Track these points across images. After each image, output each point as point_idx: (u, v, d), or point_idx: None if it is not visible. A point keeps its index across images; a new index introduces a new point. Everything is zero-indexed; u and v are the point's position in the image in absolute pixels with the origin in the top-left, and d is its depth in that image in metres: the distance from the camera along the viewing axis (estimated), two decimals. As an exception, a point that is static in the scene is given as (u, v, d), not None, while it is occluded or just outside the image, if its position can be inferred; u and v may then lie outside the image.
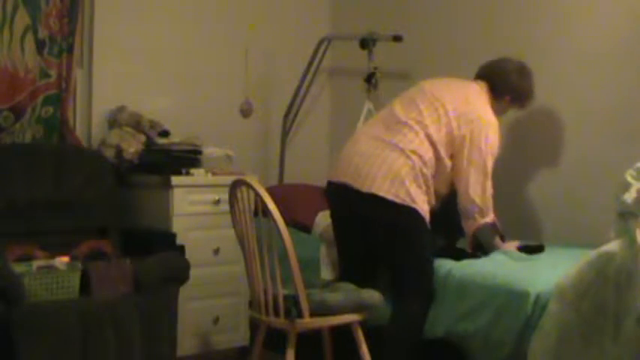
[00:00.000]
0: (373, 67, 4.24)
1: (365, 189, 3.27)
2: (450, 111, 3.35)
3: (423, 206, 3.29)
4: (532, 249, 3.46)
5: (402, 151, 3.28)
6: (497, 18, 4.24)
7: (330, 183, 3.48)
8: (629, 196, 2.78)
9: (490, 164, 3.37)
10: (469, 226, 3.42)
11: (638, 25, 3.67)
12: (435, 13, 4.53)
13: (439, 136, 3.32)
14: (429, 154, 3.30)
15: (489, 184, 3.38)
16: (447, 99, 3.38)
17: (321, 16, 5.09)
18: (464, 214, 3.40)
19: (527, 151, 4.10)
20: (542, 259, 3.43)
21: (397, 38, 4.31)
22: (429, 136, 3.32)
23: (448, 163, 3.36)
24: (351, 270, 3.44)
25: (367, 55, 4.32)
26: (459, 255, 3.47)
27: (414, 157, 3.28)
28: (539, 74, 4.04)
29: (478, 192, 3.34)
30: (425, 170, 3.29)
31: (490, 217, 3.40)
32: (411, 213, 3.26)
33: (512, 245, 3.45)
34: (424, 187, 3.29)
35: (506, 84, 3.53)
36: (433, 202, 3.36)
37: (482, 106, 3.43)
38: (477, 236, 3.43)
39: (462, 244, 3.62)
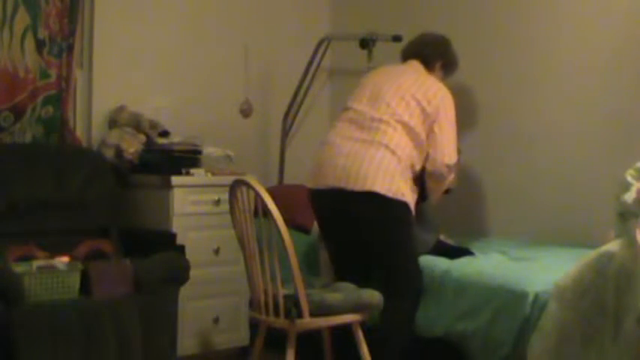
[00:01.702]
0: (373, 67, 4.24)
1: (358, 188, 3.28)
2: (415, 92, 3.43)
3: (411, 200, 3.35)
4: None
5: (387, 147, 3.31)
6: (497, 19, 4.24)
7: (315, 190, 3.46)
8: (629, 196, 2.79)
9: (455, 128, 3.49)
10: (441, 186, 3.51)
11: (638, 26, 3.67)
12: (435, 13, 4.53)
13: (416, 121, 3.39)
14: (409, 145, 3.36)
15: (456, 146, 3.50)
16: (407, 84, 3.47)
17: (321, 16, 5.09)
18: (436, 177, 3.46)
19: (527, 150, 4.10)
20: (541, 259, 3.43)
21: (397, 38, 4.30)
22: (406, 125, 3.37)
23: (426, 144, 3.43)
24: (345, 272, 3.44)
25: (367, 55, 4.32)
26: (453, 253, 3.48)
27: (398, 151, 3.32)
28: (539, 74, 4.06)
29: (452, 157, 3.45)
30: (408, 163, 3.35)
31: (454, 171, 3.51)
32: (403, 207, 3.31)
33: None
34: (410, 182, 3.36)
35: (434, 52, 3.69)
36: (416, 194, 3.43)
37: (433, 80, 3.56)
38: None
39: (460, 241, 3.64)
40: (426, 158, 3.43)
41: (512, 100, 4.17)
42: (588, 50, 3.87)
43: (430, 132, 3.41)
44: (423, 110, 3.40)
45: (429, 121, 3.41)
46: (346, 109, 3.55)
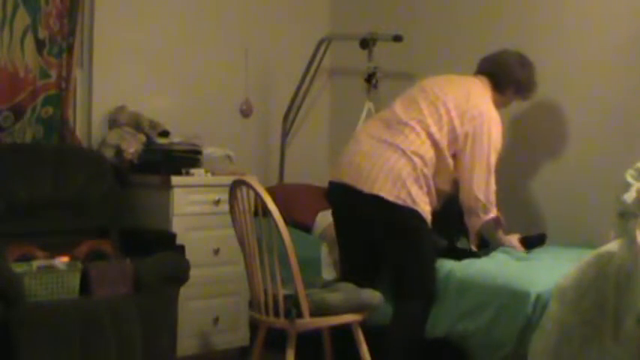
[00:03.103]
0: (373, 67, 4.24)
1: (366, 190, 3.27)
2: (452, 109, 3.34)
3: (425, 207, 3.29)
4: (533, 240, 3.47)
5: (404, 152, 3.28)
6: (498, 17, 4.24)
7: (331, 183, 3.48)
8: (629, 196, 2.79)
9: (493, 160, 3.36)
10: (473, 224, 3.41)
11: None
12: (435, 13, 4.53)
13: (441, 135, 3.32)
14: (429, 153, 3.30)
15: (493, 180, 3.36)
16: (449, 97, 3.37)
17: (321, 16, 5.09)
18: (467, 211, 3.39)
19: (528, 151, 4.10)
20: (542, 259, 3.43)
21: (397, 38, 4.31)
22: (431, 136, 3.31)
23: (450, 161, 3.35)
24: (352, 270, 3.44)
25: (367, 55, 4.32)
26: (460, 255, 3.47)
27: (415, 158, 3.27)
28: (541, 74, 4.04)
29: (482, 189, 3.33)
30: (426, 171, 3.29)
31: (493, 212, 3.38)
32: (412, 214, 3.27)
33: (514, 238, 3.46)
34: (425, 188, 3.30)
35: (509, 77, 3.53)
36: (435, 202, 3.36)
37: (484, 102, 3.42)
38: (481, 232, 3.43)
39: (463, 243, 3.63)
40: (459, 186, 3.35)
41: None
42: (589, 49, 3.87)
43: (458, 156, 3.33)
44: (453, 130, 3.32)
45: (457, 143, 3.32)
46: (389, 106, 3.50)
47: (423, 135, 3.31)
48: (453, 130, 3.33)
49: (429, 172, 3.30)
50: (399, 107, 3.43)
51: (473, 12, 4.35)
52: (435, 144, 3.31)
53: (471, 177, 3.33)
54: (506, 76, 3.53)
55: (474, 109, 3.36)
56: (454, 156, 3.36)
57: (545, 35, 4.04)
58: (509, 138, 4.15)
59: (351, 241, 3.48)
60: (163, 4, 4.41)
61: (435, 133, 3.31)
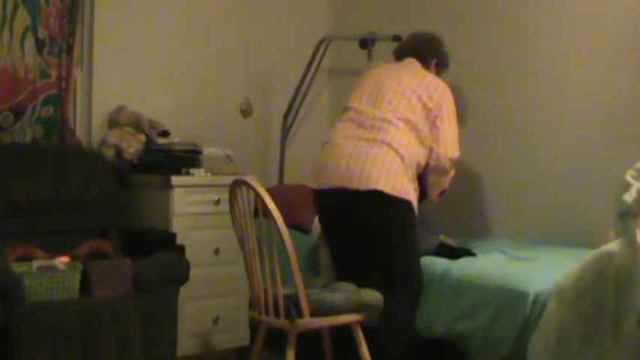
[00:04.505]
0: (373, 67, 4.23)
1: (362, 187, 3.28)
2: (416, 88, 3.45)
3: (414, 199, 3.36)
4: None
5: (389, 146, 3.32)
6: (497, 18, 4.24)
7: (319, 191, 3.46)
8: (629, 196, 2.79)
9: (457, 123, 3.51)
10: (442, 181, 3.52)
11: (638, 24, 3.67)
12: (435, 13, 4.53)
13: (417, 117, 3.40)
14: (413, 143, 3.37)
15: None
16: (407, 79, 3.49)
17: (321, 16, 5.09)
18: (439, 171, 3.48)
19: (527, 150, 4.10)
20: (541, 259, 3.43)
21: (397, 38, 4.30)
22: (409, 122, 3.38)
23: (429, 139, 3.44)
24: (346, 272, 3.43)
25: (367, 55, 4.32)
26: (454, 254, 3.48)
27: (401, 150, 3.32)
28: (538, 74, 4.06)
29: (455, 151, 3.48)
30: (413, 160, 3.35)
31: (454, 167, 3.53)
32: (406, 205, 3.31)
33: None
34: (413, 181, 3.37)
35: (432, 51, 3.71)
36: (418, 191, 3.44)
37: (432, 76, 3.58)
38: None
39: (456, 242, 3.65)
40: (430, 153, 3.44)
41: (512, 99, 4.16)
42: (589, 49, 3.87)
43: (433, 127, 3.43)
44: (425, 106, 3.41)
45: (432, 117, 3.42)
46: (347, 108, 3.55)
47: (402, 125, 3.37)
48: (425, 107, 3.42)
49: (415, 160, 3.36)
50: (364, 105, 3.47)
51: (472, 11, 4.35)
52: (415, 128, 3.38)
53: (445, 141, 3.45)
54: (428, 51, 3.71)
55: (430, 82, 3.50)
56: (430, 131, 3.45)
57: (542, 36, 4.04)
58: (511, 139, 4.16)
59: (344, 244, 3.48)
60: (163, 4, 4.42)
61: (412, 118, 3.39)
